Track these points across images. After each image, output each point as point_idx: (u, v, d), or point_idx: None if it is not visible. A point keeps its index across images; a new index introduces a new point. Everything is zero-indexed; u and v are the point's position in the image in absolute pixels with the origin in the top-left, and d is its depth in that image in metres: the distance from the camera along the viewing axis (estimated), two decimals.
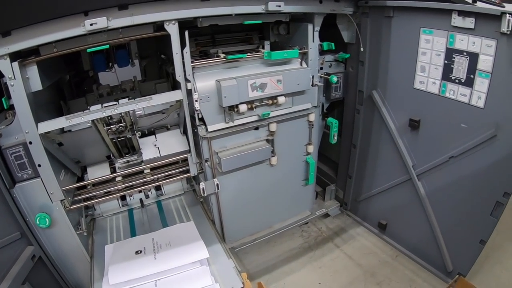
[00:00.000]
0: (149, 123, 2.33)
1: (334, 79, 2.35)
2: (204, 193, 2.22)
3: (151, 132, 2.46)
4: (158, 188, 2.67)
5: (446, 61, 1.97)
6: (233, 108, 2.07)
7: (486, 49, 1.77)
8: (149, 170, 2.44)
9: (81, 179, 2.40)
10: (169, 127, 2.46)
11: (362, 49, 2.33)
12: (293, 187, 2.62)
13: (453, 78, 1.95)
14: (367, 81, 2.42)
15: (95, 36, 1.75)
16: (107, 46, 1.82)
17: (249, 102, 2.10)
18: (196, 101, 1.98)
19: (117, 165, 2.45)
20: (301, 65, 2.24)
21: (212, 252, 2.02)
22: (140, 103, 1.92)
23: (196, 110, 2.02)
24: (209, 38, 2.51)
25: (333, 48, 2.32)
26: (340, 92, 2.54)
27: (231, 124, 2.13)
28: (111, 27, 1.67)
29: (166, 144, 2.39)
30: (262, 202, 2.55)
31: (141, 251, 2.00)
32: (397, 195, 2.48)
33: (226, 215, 2.45)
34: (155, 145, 2.39)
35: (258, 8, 1.98)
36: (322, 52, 2.38)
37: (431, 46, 2.02)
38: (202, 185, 2.21)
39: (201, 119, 2.08)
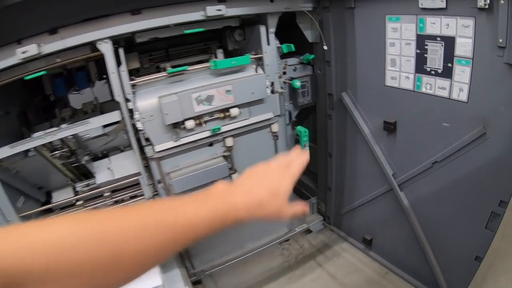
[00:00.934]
0: (98, 146, 2.02)
1: (297, 83, 1.95)
2: None
3: (106, 154, 2.15)
4: None
5: (418, 51, 1.55)
6: (179, 125, 1.71)
7: (463, 31, 1.35)
8: (109, 193, 2.13)
9: (48, 203, 2.06)
10: (122, 148, 2.12)
11: (325, 48, 1.92)
12: None
13: (428, 69, 1.53)
14: (335, 83, 2.01)
15: (34, 63, 1.50)
16: (44, 73, 1.55)
17: (197, 117, 1.73)
18: (138, 121, 1.64)
19: (77, 189, 2.19)
20: (256, 71, 1.87)
21: (168, 278, 1.72)
22: (78, 128, 1.62)
23: (140, 130, 1.67)
24: (164, 53, 2.18)
25: (293, 49, 1.92)
26: (309, 97, 2.13)
27: (180, 142, 1.75)
28: (44, 53, 1.42)
29: (120, 167, 2.03)
30: None
31: None
32: (380, 207, 2.04)
33: None
34: (109, 168, 2.08)
35: (197, 15, 1.61)
36: (284, 55, 2.00)
37: (399, 35, 1.60)
38: None
39: (148, 139, 1.73)
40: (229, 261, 2.26)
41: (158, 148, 1.75)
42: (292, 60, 2.08)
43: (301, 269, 2.32)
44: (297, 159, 0.75)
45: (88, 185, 2.18)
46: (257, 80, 1.79)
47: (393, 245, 2.07)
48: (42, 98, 2.35)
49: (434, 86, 1.53)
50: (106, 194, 2.10)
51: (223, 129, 1.81)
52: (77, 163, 1.97)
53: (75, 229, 0.45)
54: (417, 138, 1.68)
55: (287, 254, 2.46)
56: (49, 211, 2.03)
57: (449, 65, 1.44)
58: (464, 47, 1.37)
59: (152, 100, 1.65)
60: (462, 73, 1.41)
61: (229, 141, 1.87)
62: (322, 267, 2.30)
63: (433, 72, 1.51)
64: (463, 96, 1.43)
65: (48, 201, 2.10)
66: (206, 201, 0.60)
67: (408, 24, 1.55)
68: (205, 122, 1.76)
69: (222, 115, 1.78)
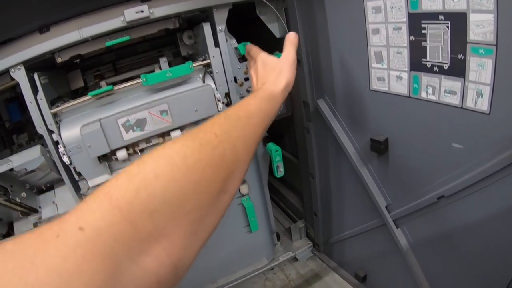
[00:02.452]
0: (36, 180, 1.60)
1: None
2: None
3: (51, 187, 1.72)
4: None
5: (412, 37, 0.95)
6: (110, 157, 1.24)
7: (478, 2, 0.75)
8: None
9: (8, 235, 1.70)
10: None
11: None
12: (233, 236, 1.65)
13: (428, 65, 0.93)
14: (310, 88, 1.41)
15: None
16: None
17: (131, 146, 1.24)
18: (63, 154, 1.20)
19: (32, 222, 1.81)
20: (204, 81, 1.33)
21: None
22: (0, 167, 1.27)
23: (69, 164, 1.24)
24: (111, 67, 1.68)
25: None
26: (282, 107, 1.57)
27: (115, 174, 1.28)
28: None
29: (64, 200, 1.60)
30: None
31: None
32: (373, 242, 1.43)
33: None
34: (53, 202, 1.66)
35: (117, 22, 1.12)
36: (243, 58, 1.44)
37: (383, 17, 1.00)
38: None
39: (80, 173, 1.28)
40: None
41: (91, 183, 1.29)
42: None
43: None
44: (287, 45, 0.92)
45: (41, 218, 1.83)
46: (202, 94, 1.24)
47: (389, 285, 1.46)
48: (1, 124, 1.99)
49: (438, 89, 0.93)
50: None
51: None
52: (14, 201, 1.57)
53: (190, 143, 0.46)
54: (417, 163, 1.07)
55: (270, 285, 1.90)
56: None
57: (460, 56, 0.84)
58: (481, 27, 0.77)
59: (77, 129, 1.18)
60: (480, 68, 0.81)
61: None
62: None
63: (436, 69, 0.91)
64: (483, 104, 0.82)
65: (9, 233, 1.77)
66: (253, 95, 0.70)
67: (394, 0, 0.95)
68: (142, 150, 1.26)
69: (161, 140, 1.26)
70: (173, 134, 1.26)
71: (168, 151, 0.44)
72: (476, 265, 1.00)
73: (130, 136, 1.21)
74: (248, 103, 0.65)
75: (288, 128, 1.90)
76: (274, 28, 1.46)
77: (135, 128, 1.21)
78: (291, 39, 0.92)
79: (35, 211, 1.72)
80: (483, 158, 0.86)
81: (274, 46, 1.49)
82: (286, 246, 1.90)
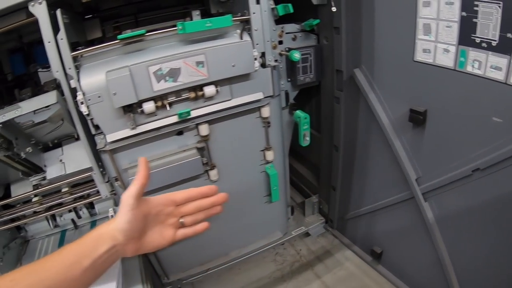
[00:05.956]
0: (43, 135, 1.68)
1: (296, 55, 1.53)
2: None
3: (59, 143, 1.80)
4: (92, 206, 2.08)
5: (463, 13, 1.12)
6: (135, 109, 1.33)
7: None
8: (67, 189, 1.81)
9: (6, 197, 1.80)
10: (76, 136, 1.74)
11: (334, 9, 1.49)
12: (251, 206, 1.84)
13: (477, 40, 1.11)
14: (346, 56, 1.57)
15: None
16: None
17: (159, 98, 1.35)
18: (82, 103, 1.27)
19: (33, 183, 1.88)
20: (242, 38, 1.46)
21: None
22: (7, 114, 1.30)
23: (87, 115, 1.31)
24: (132, 19, 1.77)
25: (291, 10, 1.47)
26: (312, 74, 1.73)
27: (138, 130, 1.37)
28: None
29: (73, 159, 1.70)
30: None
31: None
32: (396, 217, 1.66)
33: None
34: (61, 160, 1.74)
35: None
36: (281, 20, 1.57)
37: None
38: (111, 211, 1.52)
39: (98, 127, 1.37)
40: (211, 269, 1.95)
41: (110, 138, 1.38)
42: (291, 27, 1.64)
43: (295, 280, 2.00)
44: None
45: (44, 178, 1.90)
46: (241, 49, 1.38)
47: (408, 263, 1.71)
48: (3, 78, 2.01)
49: (485, 64, 1.12)
50: (64, 190, 1.81)
51: (195, 113, 1.42)
52: (18, 156, 1.65)
53: None
54: (454, 135, 1.28)
55: (281, 260, 2.13)
56: (9, 207, 1.79)
57: (509, 35, 1.03)
58: None
59: (100, 76, 1.26)
60: None
61: (204, 129, 1.48)
62: (320, 279, 1.97)
63: (484, 45, 1.10)
64: None
65: (6, 195, 1.84)
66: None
67: None
68: (170, 104, 1.37)
69: (193, 95, 1.38)
70: (206, 89, 1.38)
71: None
72: (504, 240, 1.23)
73: (160, 87, 1.31)
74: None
75: (309, 98, 2.08)
76: None
77: (167, 78, 1.31)
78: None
79: (39, 170, 1.81)
80: None
81: (307, 13, 1.65)
82: (298, 221, 2.11)
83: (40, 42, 1.80)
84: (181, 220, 0.81)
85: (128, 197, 0.71)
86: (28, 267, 0.64)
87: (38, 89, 1.86)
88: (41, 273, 0.63)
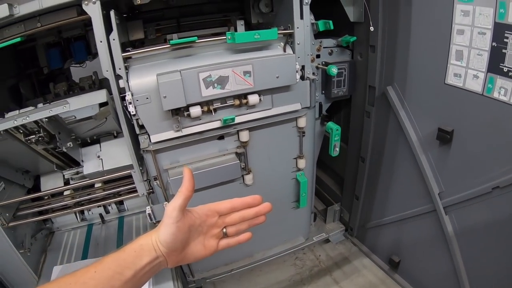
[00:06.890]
0: (85, 131, 1.83)
1: (334, 70, 1.71)
2: (152, 219, 1.65)
3: (97, 140, 1.95)
4: (121, 202, 2.24)
5: (494, 43, 1.28)
6: (181, 112, 1.49)
7: None
8: (100, 185, 1.98)
9: (35, 189, 1.98)
10: (116, 133, 1.93)
11: (372, 29, 1.67)
12: (279, 211, 2.00)
13: (505, 69, 1.27)
14: (380, 74, 1.75)
15: (11, 29, 1.34)
16: (18, 39, 1.36)
17: (205, 103, 1.51)
18: (130, 103, 1.41)
19: (66, 176, 2.03)
20: (285, 50, 1.64)
21: None
22: (54, 109, 1.42)
23: (133, 115, 1.46)
24: (174, 23, 1.95)
25: (331, 27, 1.65)
26: (345, 89, 1.90)
27: (182, 132, 1.54)
28: (18, 14, 1.25)
29: (111, 156, 1.86)
30: None
31: None
32: (416, 228, 1.82)
33: None
34: (99, 157, 1.89)
35: None
36: (318, 34, 1.75)
37: (471, 20, 1.34)
38: (148, 209, 1.65)
39: (143, 127, 1.52)
40: (234, 269, 2.12)
41: (154, 138, 1.54)
42: (329, 42, 1.83)
43: (314, 284, 2.16)
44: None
45: (77, 173, 2.05)
46: (285, 62, 1.55)
47: (424, 273, 1.85)
48: (38, 71, 2.16)
49: (510, 91, 1.27)
50: (97, 185, 1.98)
51: (238, 119, 1.60)
52: (58, 150, 1.80)
53: None
54: (477, 154, 1.43)
55: (301, 265, 2.30)
56: (38, 199, 1.92)
57: None
58: None
59: (149, 78, 1.42)
60: None
61: (244, 135, 1.67)
62: (338, 285, 2.13)
63: (511, 74, 1.27)
64: None
65: (36, 187, 2.00)
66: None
67: (484, 8, 1.28)
68: (215, 110, 1.54)
69: (237, 102, 1.56)
70: (250, 97, 1.55)
71: None
72: None
73: (209, 93, 1.47)
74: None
75: (338, 110, 2.25)
76: (350, 11, 1.77)
77: (215, 85, 1.47)
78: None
79: (74, 164, 1.97)
80: None
81: (343, 29, 1.82)
82: (319, 228, 2.28)
83: (77, 38, 2.00)
84: (224, 230, 0.81)
85: (172, 209, 0.71)
86: (67, 278, 0.65)
87: (70, 84, 2.04)
88: (80, 285, 0.63)
